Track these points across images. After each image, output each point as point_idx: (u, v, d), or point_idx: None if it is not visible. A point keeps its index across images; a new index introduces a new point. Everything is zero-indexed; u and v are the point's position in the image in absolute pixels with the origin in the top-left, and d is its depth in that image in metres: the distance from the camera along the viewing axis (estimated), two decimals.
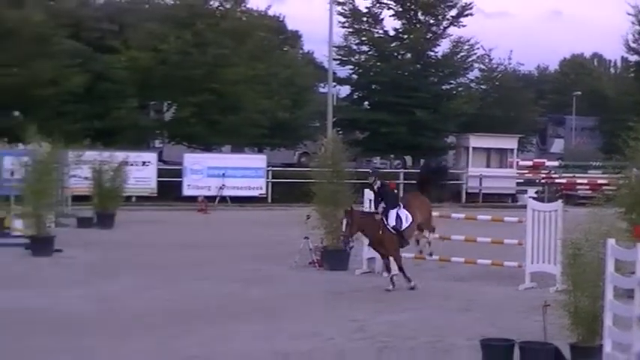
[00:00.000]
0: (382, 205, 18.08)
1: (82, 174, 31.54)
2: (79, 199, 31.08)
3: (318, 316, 15.00)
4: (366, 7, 51.17)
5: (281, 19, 60.38)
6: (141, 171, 38.02)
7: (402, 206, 18.24)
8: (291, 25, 64.71)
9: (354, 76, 52.46)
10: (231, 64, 45.36)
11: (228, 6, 48.55)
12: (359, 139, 50.06)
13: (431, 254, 19.06)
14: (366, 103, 52.85)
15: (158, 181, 39.85)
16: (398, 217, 17.95)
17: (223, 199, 39.86)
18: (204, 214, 36.23)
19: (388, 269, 18.17)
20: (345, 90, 54.94)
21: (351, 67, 51.98)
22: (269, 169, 42.40)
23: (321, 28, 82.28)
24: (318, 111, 50.05)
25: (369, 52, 52.10)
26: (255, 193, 41.29)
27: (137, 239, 25.87)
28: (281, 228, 25.81)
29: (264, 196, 41.57)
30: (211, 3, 48.66)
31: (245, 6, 49.64)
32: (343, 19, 50.48)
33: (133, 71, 45.35)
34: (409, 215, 18.09)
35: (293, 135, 50.47)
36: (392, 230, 17.90)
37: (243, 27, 47.72)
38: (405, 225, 18.02)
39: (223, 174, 40.22)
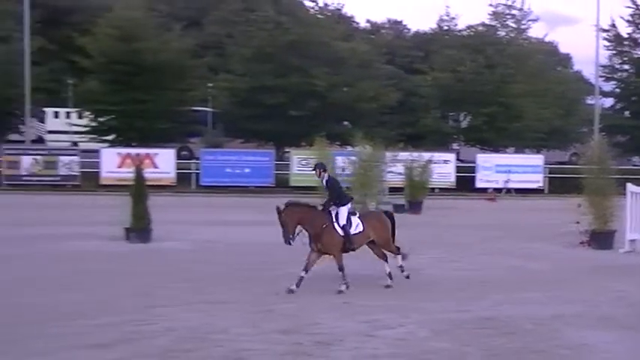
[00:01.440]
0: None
1: (397, 170, 32.30)
2: (394, 190, 31.75)
3: (587, 286, 14.67)
4: (627, 33, 49.62)
5: (555, 45, 62.32)
6: (442, 168, 38.44)
7: (357, 214, 14.62)
8: (563, 49, 66.74)
9: (617, 90, 50.93)
10: (515, 81, 45.10)
11: (512, 35, 48.51)
12: (620, 142, 48.36)
13: (407, 276, 14.68)
14: (627, 112, 51.23)
15: (456, 175, 40.25)
16: (349, 219, 14.29)
17: (508, 191, 39.86)
18: (493, 203, 36.22)
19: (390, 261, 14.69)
20: (608, 101, 53.55)
21: (614, 82, 50.57)
22: (546, 166, 41.88)
23: (589, 51, 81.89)
24: (587, 119, 49.72)
25: (630, 70, 50.28)
26: (535, 185, 40.86)
27: (440, 222, 26.25)
28: (556, 214, 25.25)
29: (542, 188, 41.08)
30: (498, 33, 48.65)
31: (526, 34, 49.52)
32: (607, 43, 49.30)
33: (436, 88, 46.07)
34: (360, 225, 14.36)
35: (565, 138, 49.65)
36: (339, 229, 14.16)
37: (524, 51, 47.54)
38: (353, 231, 14.23)
39: (509, 170, 40.12)
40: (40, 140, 58.84)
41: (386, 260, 14.61)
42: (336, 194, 14.48)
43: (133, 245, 18.66)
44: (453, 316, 12.03)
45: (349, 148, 32.70)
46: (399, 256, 14.76)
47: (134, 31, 41.37)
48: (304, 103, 39.08)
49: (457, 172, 40.32)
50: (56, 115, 62.02)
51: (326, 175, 14.69)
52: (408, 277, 14.67)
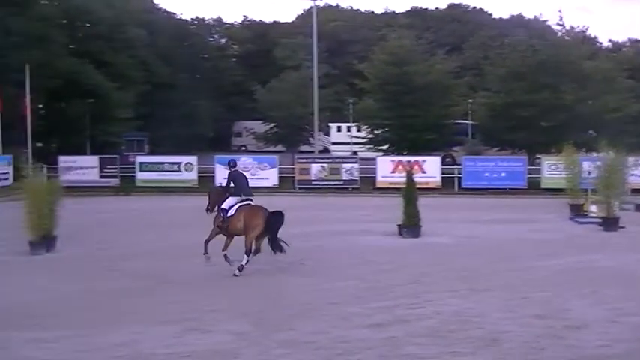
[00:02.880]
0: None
1: (639, 173, 30.53)
2: (636, 191, 30.03)
3: None
4: None
5: None
6: None
7: (239, 205, 14.64)
8: None
9: None
10: None
11: None
12: None
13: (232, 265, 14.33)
14: None
15: None
16: (231, 206, 14.60)
17: None
18: None
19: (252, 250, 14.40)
20: None
21: None
22: None
23: None
24: None
25: None
26: None
27: None
28: None
29: None
30: None
31: None
32: None
33: None
34: (234, 212, 14.53)
35: None
36: (221, 212, 14.67)
37: None
38: (227, 215, 14.54)
39: None
40: (326, 151, 61.61)
41: (255, 252, 14.56)
42: (227, 185, 15.11)
43: (405, 240, 19.04)
44: None
45: (594, 155, 31.22)
46: (246, 256, 14.29)
47: (405, 56, 42.20)
48: (553, 115, 37.92)
49: None
50: (339, 129, 64.66)
51: (232, 169, 15.33)
52: (238, 271, 14.18)
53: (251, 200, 15.13)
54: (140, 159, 37.06)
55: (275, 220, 14.60)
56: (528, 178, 34.79)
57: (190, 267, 15.17)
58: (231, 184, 15.14)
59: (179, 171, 35.49)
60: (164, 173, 35.40)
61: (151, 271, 14.83)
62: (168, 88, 62.18)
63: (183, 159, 36.77)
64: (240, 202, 14.91)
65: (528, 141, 39.51)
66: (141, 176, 35.92)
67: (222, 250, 14.74)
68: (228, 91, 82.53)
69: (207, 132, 71.22)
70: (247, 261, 14.35)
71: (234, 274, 14.18)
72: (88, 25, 52.34)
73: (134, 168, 36.37)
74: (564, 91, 38.19)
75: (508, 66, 41.83)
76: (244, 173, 16.02)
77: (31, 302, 12.11)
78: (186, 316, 10.98)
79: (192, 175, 35.29)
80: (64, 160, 36.04)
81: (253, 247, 14.49)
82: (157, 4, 69.59)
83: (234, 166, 15.66)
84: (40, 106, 48.62)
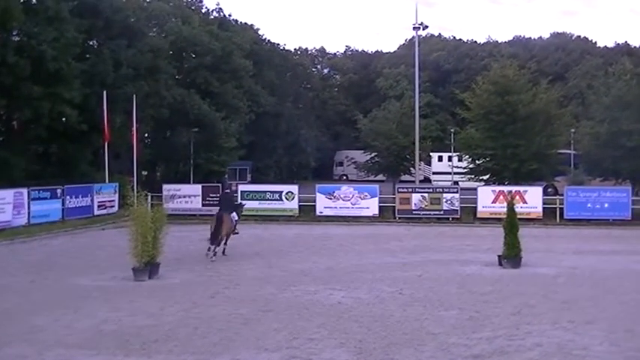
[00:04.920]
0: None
1: None
2: None
3: None
4: None
5: None
6: None
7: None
8: None
9: None
10: None
11: None
12: None
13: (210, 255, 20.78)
14: None
15: None
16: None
17: None
18: None
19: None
20: None
21: None
22: None
23: None
24: None
25: None
26: None
27: None
28: None
29: None
30: None
31: None
32: None
33: None
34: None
35: None
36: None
37: None
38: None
39: None
40: (427, 180, 61.36)
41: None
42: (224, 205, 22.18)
43: (506, 270, 18.76)
44: None
45: None
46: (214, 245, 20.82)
47: (508, 85, 41.78)
48: None
49: None
50: (440, 158, 64.37)
51: (223, 191, 24.65)
52: (213, 255, 20.68)
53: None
54: (242, 187, 37.65)
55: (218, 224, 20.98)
56: (633, 208, 33.64)
57: (293, 294, 15.37)
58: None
59: (280, 200, 35.92)
60: (265, 202, 35.84)
61: (255, 298, 15.04)
62: (272, 118, 63.47)
63: (285, 188, 37.21)
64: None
65: (633, 171, 38.46)
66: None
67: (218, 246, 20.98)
68: (331, 120, 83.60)
69: (309, 161, 72.17)
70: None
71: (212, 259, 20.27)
72: (195, 56, 54.11)
73: (236, 196, 37.01)
74: None
75: (613, 94, 40.89)
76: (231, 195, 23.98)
77: (137, 327, 12.49)
78: (288, 344, 11.13)
79: (294, 204, 35.69)
80: (168, 188, 36.98)
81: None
82: (262, 35, 71.32)
83: (228, 188, 24.13)
84: (147, 134, 50.26)
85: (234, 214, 22.09)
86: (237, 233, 22.32)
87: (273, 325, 12.50)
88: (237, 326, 12.41)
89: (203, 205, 35.94)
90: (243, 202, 29.96)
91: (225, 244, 21.55)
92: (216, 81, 53.58)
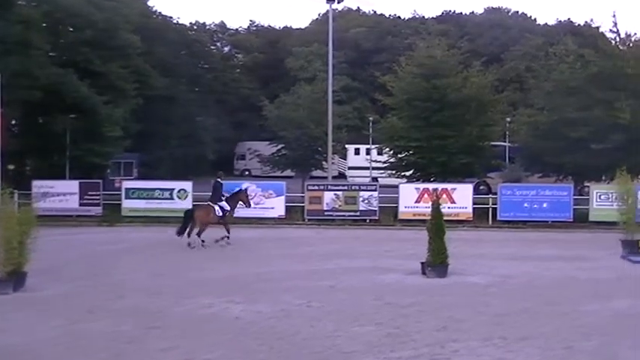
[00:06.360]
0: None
1: None
2: None
3: None
4: None
5: None
6: None
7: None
8: None
9: None
10: None
11: None
12: None
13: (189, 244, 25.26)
14: None
15: None
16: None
17: None
18: None
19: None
20: None
21: None
22: None
23: None
24: None
25: None
26: None
27: None
28: None
29: None
30: None
31: None
32: None
33: None
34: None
35: None
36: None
37: None
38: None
39: None
40: (341, 176, 61.63)
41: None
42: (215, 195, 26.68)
43: (430, 280, 18.91)
44: None
45: None
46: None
47: (435, 68, 42.19)
48: (606, 137, 37.68)
49: None
50: (357, 151, 64.71)
51: (215, 181, 27.47)
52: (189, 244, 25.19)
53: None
54: (126, 184, 37.12)
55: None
56: (575, 209, 34.58)
57: (185, 308, 15.17)
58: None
59: (171, 198, 35.50)
60: (154, 201, 35.42)
61: (142, 312, 14.84)
62: (164, 103, 62.50)
63: (177, 185, 36.81)
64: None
65: (576, 166, 39.26)
66: (127, 204, 35.93)
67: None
68: (233, 106, 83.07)
69: (207, 153, 71.46)
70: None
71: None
72: (73, 29, 52.72)
73: (120, 195, 36.45)
74: (619, 109, 37.98)
75: (555, 79, 41.75)
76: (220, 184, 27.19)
77: (1, 346, 12.12)
78: None
79: (187, 204, 35.26)
80: (39, 185, 36.12)
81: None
82: (153, 7, 70.38)
83: (219, 177, 27.64)
84: (14, 121, 48.81)
85: (222, 203, 26.24)
86: (227, 230, 26.24)
87: (161, 343, 12.38)
88: (119, 345, 12.24)
89: (81, 204, 35.38)
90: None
91: (198, 235, 25.43)
92: (98, 59, 52.30)
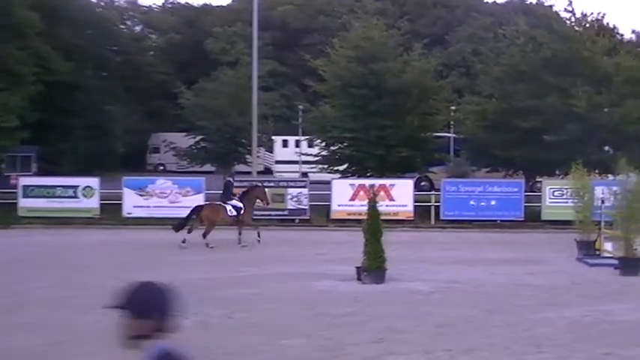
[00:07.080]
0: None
1: None
2: None
3: None
4: None
5: None
6: None
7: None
8: None
9: None
10: None
11: None
12: None
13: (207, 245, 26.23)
14: None
15: None
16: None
17: None
18: None
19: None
20: None
21: None
22: None
23: None
24: None
25: None
26: None
27: None
28: None
29: None
30: None
31: None
32: None
33: None
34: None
35: None
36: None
37: None
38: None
39: None
40: (268, 171, 61.47)
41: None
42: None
43: (366, 286, 18.93)
44: None
45: (611, 177, 31.63)
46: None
47: (373, 51, 42.22)
48: (561, 127, 38.28)
49: None
50: (285, 144, 64.55)
51: (226, 180, 29.47)
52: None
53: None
54: (24, 181, 36.50)
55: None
56: (526, 206, 35.07)
57: (95, 320, 14.86)
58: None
59: (76, 197, 35.07)
60: (56, 200, 34.96)
61: (46, 326, 14.59)
62: (67, 89, 61.55)
63: (82, 181, 36.38)
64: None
65: (528, 159, 39.76)
66: (25, 203, 35.43)
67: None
68: (146, 93, 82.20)
69: (117, 146, 70.69)
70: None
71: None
72: None
73: (16, 193, 35.84)
74: (575, 96, 38.61)
75: (504, 64, 42.20)
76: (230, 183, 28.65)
77: None
78: None
79: (93, 203, 34.92)
80: None
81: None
82: None
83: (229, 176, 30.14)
84: None
85: (234, 202, 27.33)
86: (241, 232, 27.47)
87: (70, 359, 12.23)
88: None
89: None
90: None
91: (204, 236, 26.47)
92: None
